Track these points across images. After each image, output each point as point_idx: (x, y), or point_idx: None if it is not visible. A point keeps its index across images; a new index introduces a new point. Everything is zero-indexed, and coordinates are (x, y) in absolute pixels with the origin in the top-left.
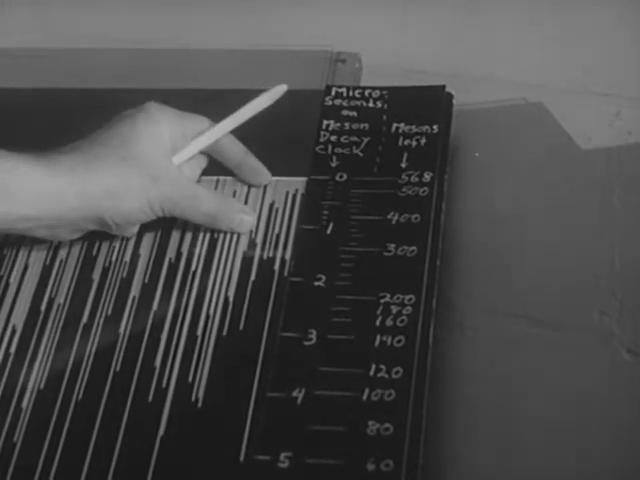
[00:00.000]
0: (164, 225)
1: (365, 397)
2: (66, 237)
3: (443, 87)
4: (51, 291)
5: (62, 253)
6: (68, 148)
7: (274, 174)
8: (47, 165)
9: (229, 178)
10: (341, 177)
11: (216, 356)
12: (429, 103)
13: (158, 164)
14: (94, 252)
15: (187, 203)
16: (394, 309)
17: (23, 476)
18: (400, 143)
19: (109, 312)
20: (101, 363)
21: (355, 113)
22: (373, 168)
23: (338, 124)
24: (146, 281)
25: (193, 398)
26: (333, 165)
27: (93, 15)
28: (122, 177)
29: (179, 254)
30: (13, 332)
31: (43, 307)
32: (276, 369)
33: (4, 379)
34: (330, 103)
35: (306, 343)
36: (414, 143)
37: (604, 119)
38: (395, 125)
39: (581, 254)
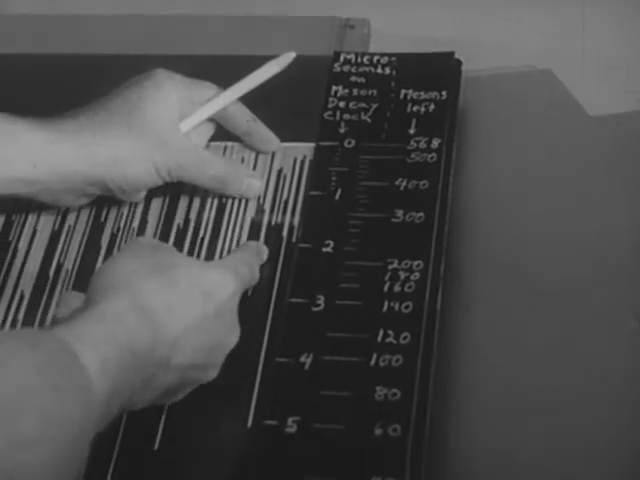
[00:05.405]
0: (172, 191)
1: (373, 362)
2: (73, 203)
3: (452, 53)
4: (59, 257)
5: (70, 219)
6: (74, 113)
7: (282, 140)
8: (50, 129)
9: (237, 144)
10: (349, 143)
11: None
12: (438, 69)
13: (165, 130)
14: (102, 218)
15: (195, 168)
16: (402, 275)
17: None
18: (408, 109)
19: None
20: None
21: (363, 79)
22: (381, 134)
23: (346, 90)
24: None
25: None
26: (341, 131)
27: None
28: (128, 143)
29: (187, 220)
30: (21, 298)
31: (51, 273)
32: (284, 335)
33: None
34: (338, 69)
35: (314, 309)
36: (422, 109)
37: (613, 87)
38: (403, 91)
39: (589, 223)
